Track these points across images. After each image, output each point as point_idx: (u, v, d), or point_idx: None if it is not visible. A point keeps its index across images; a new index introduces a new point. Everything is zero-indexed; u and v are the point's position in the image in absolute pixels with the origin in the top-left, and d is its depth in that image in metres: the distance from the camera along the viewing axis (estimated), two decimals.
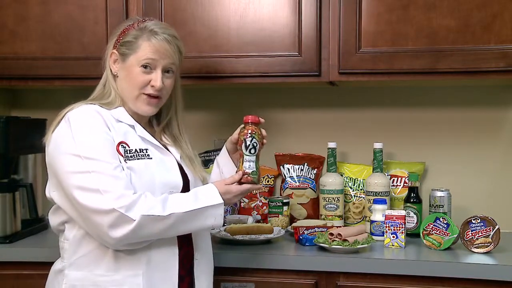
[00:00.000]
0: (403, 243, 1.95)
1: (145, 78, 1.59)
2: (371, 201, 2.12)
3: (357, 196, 2.28)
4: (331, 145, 2.21)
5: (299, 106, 2.41)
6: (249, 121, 1.65)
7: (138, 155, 1.54)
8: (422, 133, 2.33)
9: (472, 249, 1.89)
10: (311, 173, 2.35)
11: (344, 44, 2.01)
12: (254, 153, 1.61)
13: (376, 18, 1.99)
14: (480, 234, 1.89)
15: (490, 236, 1.88)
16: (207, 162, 2.36)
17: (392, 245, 1.95)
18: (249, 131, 1.63)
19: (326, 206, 2.20)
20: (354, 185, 2.29)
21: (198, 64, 2.07)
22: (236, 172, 1.62)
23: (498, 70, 1.94)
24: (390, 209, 2.11)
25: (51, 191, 1.56)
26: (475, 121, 2.29)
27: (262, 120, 1.68)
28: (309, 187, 2.34)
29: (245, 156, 1.61)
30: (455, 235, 1.91)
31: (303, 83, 2.15)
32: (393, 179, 2.27)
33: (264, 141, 1.66)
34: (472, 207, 2.22)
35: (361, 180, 2.28)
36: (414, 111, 2.34)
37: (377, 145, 2.17)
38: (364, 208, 2.23)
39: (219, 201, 1.53)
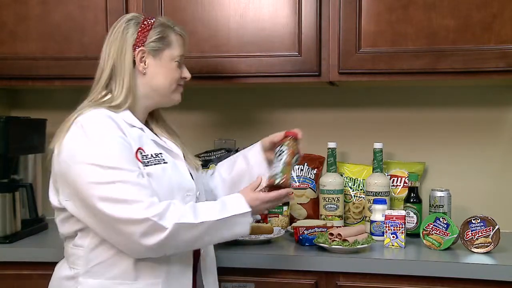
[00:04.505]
0: (403, 243, 1.95)
1: (179, 72, 1.65)
2: (371, 201, 2.12)
3: (357, 196, 2.27)
4: (331, 145, 2.21)
5: (299, 106, 2.41)
6: (290, 135, 1.69)
7: (155, 160, 1.53)
8: (422, 133, 2.33)
9: (472, 249, 1.89)
10: (311, 173, 2.35)
11: (344, 44, 2.01)
12: (281, 160, 1.63)
13: (376, 18, 1.99)
14: (480, 234, 1.89)
15: (490, 236, 1.88)
16: (207, 163, 2.35)
17: (392, 245, 1.95)
18: (285, 141, 1.68)
19: (326, 206, 2.20)
20: (354, 185, 2.29)
21: (198, 64, 2.07)
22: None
23: (498, 70, 1.94)
24: (390, 209, 2.11)
25: (63, 200, 1.50)
26: (475, 121, 2.29)
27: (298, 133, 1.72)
28: (309, 187, 2.34)
29: (274, 161, 1.65)
30: (455, 235, 1.91)
31: (303, 83, 2.15)
32: (393, 179, 2.27)
33: (300, 154, 1.69)
34: (472, 207, 2.22)
35: (361, 180, 2.28)
36: (414, 111, 2.34)
37: (377, 145, 2.17)
38: (364, 208, 2.23)
39: (247, 209, 1.52)
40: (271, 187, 1.60)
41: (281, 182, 1.59)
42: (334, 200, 2.19)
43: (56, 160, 1.49)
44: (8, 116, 2.38)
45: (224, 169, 1.84)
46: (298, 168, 2.35)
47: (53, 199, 1.54)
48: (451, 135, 2.31)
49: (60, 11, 2.15)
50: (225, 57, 2.07)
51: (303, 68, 2.04)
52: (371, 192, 2.15)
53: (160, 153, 1.56)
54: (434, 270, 1.77)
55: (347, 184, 2.29)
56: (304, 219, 2.28)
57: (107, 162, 1.42)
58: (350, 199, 2.28)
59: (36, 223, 2.20)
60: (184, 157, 1.66)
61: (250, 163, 1.78)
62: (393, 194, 2.25)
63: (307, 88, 2.39)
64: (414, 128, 2.34)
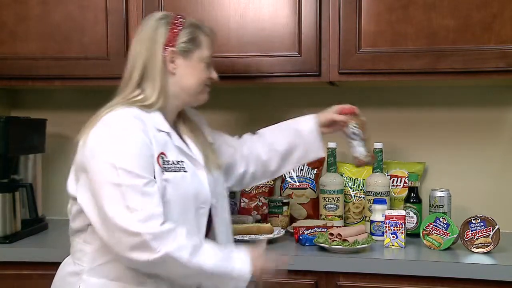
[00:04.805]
0: (403, 243, 1.95)
1: (207, 73, 1.65)
2: (371, 201, 2.12)
3: (357, 196, 2.27)
4: (331, 145, 2.21)
5: (299, 106, 2.40)
6: (350, 112, 1.80)
7: (175, 167, 1.51)
8: (422, 133, 2.33)
9: (472, 249, 1.89)
10: (311, 173, 2.35)
11: (344, 44, 2.01)
12: (360, 138, 1.78)
13: (376, 18, 1.99)
14: (480, 234, 1.89)
15: (490, 236, 1.88)
16: None
17: (392, 245, 1.95)
18: (352, 119, 1.79)
19: (326, 206, 2.20)
20: (354, 185, 2.29)
21: None
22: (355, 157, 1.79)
23: (498, 70, 1.94)
24: (390, 209, 2.11)
25: (78, 190, 1.51)
26: (475, 121, 2.29)
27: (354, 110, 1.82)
28: (309, 187, 2.34)
29: (351, 141, 1.79)
30: (455, 235, 1.91)
31: (303, 83, 2.16)
32: (393, 179, 2.27)
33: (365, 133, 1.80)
34: (472, 207, 2.21)
35: (361, 180, 2.28)
36: (414, 111, 2.34)
37: (377, 145, 2.17)
38: (364, 208, 2.23)
39: (247, 269, 1.48)
40: (360, 165, 1.81)
41: (369, 159, 1.79)
42: (334, 200, 2.19)
43: (81, 152, 1.49)
44: (8, 116, 2.39)
45: (277, 141, 1.84)
46: (298, 168, 2.35)
47: (71, 187, 1.53)
48: (451, 135, 2.31)
49: (60, 11, 2.15)
50: (225, 57, 2.07)
51: (303, 68, 2.04)
52: (371, 192, 2.15)
53: (182, 161, 1.54)
54: (434, 270, 1.77)
55: (347, 184, 2.29)
56: (304, 219, 2.28)
57: (121, 163, 1.41)
58: (350, 199, 2.28)
59: (36, 223, 2.20)
60: (205, 161, 1.62)
61: (302, 135, 1.81)
62: (393, 194, 2.25)
63: (307, 88, 2.38)
64: (414, 128, 2.34)
